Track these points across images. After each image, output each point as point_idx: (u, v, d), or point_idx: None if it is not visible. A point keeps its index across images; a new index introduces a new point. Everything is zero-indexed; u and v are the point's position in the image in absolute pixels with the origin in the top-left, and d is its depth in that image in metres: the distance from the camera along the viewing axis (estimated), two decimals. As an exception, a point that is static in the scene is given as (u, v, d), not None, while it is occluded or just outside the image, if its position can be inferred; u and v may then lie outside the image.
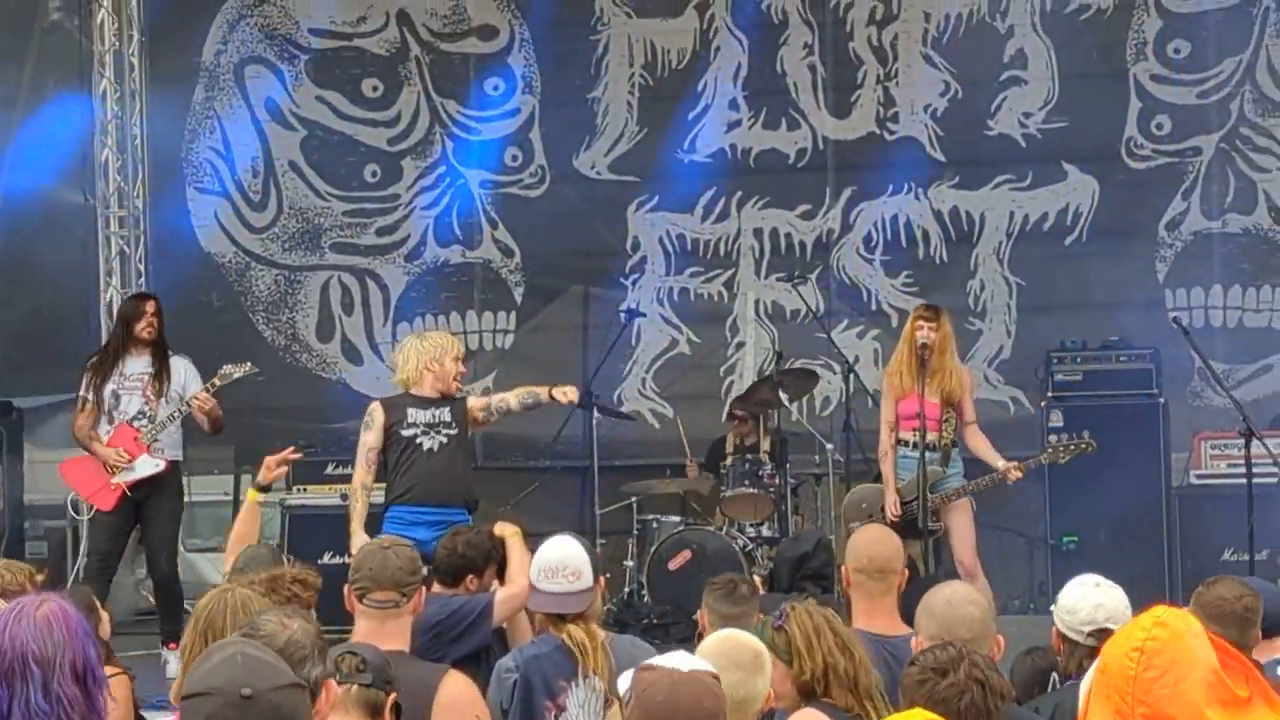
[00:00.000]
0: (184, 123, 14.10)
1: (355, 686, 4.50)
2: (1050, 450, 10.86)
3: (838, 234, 13.68)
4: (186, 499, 12.00)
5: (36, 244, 13.85)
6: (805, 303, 12.97)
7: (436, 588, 7.43)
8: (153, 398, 11.20)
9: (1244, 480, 10.73)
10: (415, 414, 9.52)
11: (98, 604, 6.57)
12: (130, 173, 13.82)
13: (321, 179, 14.11)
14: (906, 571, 6.36)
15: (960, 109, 13.58)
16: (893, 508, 10.46)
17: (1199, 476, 12.19)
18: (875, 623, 6.09)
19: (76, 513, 12.87)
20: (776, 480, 11.94)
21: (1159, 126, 13.40)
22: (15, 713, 3.56)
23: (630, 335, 13.59)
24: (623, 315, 13.27)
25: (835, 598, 8.18)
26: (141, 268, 13.78)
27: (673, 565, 11.68)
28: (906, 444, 10.56)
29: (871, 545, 6.29)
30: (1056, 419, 12.08)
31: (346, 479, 11.69)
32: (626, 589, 11.96)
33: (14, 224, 13.78)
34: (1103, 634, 5.13)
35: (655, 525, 12.15)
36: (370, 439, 9.55)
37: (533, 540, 7.14)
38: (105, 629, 6.55)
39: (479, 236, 14.03)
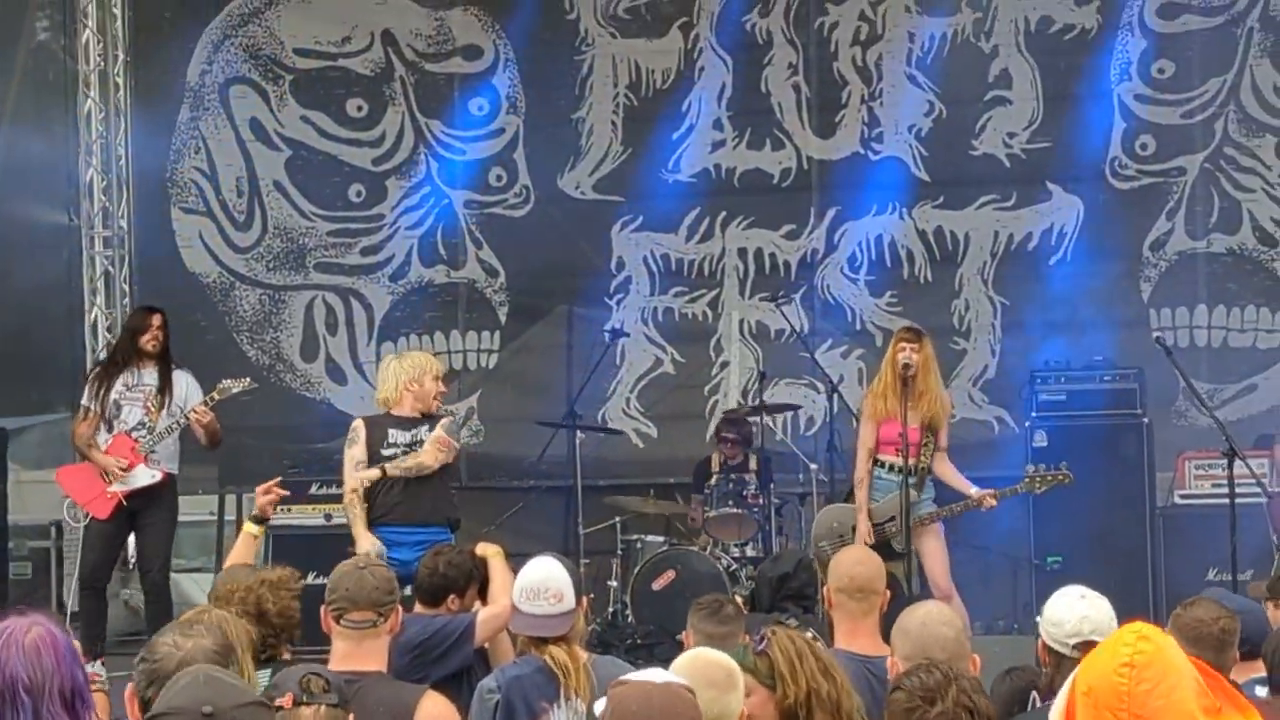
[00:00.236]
0: (169, 142, 14.06)
1: (324, 707, 4.47)
2: (1027, 480, 10.75)
3: (822, 254, 13.68)
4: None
5: (20, 264, 13.80)
6: (789, 323, 12.98)
7: (418, 607, 7.43)
8: (154, 410, 11.21)
9: (1227, 500, 10.72)
10: (396, 434, 9.51)
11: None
12: (115, 192, 13.81)
13: (306, 199, 14.09)
14: (889, 592, 6.36)
15: (944, 129, 13.59)
16: (865, 536, 10.43)
17: (1183, 496, 12.19)
18: (857, 643, 6.09)
19: (61, 533, 12.84)
20: (761, 500, 11.95)
21: (1143, 146, 13.42)
22: (6, 742, 3.58)
23: (614, 355, 13.58)
24: (607, 335, 13.29)
25: (818, 618, 8.16)
26: (126, 287, 13.78)
27: (657, 585, 11.68)
28: (884, 465, 10.56)
29: (853, 566, 6.29)
30: (1041, 439, 12.07)
31: (331, 499, 11.72)
32: (610, 609, 11.95)
33: (-2, 244, 13.77)
34: (1088, 646, 5.08)
35: (639, 545, 12.15)
36: (356, 453, 9.51)
37: (516, 560, 7.12)
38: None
39: (463, 256, 14.01)
